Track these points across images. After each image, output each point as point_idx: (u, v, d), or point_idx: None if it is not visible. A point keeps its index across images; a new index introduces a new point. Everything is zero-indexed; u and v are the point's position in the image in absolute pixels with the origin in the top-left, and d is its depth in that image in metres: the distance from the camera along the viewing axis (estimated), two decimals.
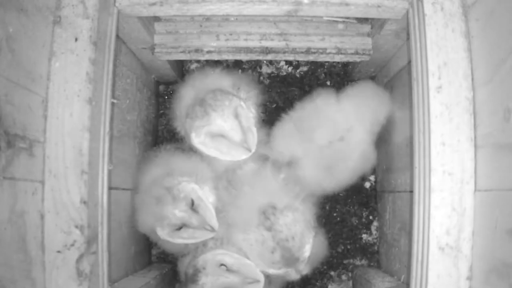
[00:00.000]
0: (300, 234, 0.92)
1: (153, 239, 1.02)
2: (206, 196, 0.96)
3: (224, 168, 1.00)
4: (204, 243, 0.98)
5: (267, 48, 1.06)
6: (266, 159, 1.00)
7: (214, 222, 0.94)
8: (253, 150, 0.96)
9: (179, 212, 0.93)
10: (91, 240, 0.71)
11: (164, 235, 0.94)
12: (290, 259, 0.92)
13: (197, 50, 1.07)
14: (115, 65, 0.81)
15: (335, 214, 1.26)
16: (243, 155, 0.97)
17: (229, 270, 0.94)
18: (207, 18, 1.07)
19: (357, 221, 1.26)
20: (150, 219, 0.95)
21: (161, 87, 1.32)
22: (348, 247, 1.26)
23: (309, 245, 0.94)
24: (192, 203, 0.94)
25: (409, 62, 0.80)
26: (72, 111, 0.70)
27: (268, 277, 0.97)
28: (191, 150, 1.01)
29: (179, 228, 0.94)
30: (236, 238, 0.95)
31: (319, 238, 0.99)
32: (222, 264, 0.94)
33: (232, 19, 1.07)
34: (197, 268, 0.95)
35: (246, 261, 0.94)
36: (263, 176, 0.97)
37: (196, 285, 0.94)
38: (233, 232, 0.96)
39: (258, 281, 0.94)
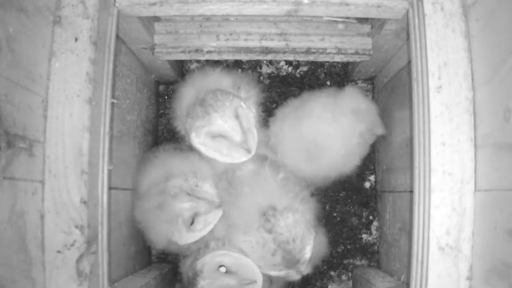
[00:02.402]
0: (300, 235, 0.93)
1: (172, 250, 1.02)
2: (204, 189, 0.97)
3: (224, 169, 1.00)
4: (206, 245, 0.98)
5: (267, 48, 1.06)
6: (265, 159, 1.00)
7: (216, 198, 0.96)
8: (253, 152, 0.96)
9: (186, 203, 0.93)
10: (91, 240, 0.71)
11: (183, 237, 0.95)
12: (291, 261, 0.92)
13: (197, 50, 1.07)
14: (115, 65, 0.81)
15: (335, 214, 1.26)
16: (243, 158, 0.96)
17: (228, 271, 0.94)
18: (207, 18, 1.07)
19: (357, 221, 1.26)
20: (163, 229, 0.95)
21: (161, 87, 1.32)
22: (348, 247, 1.26)
23: (309, 247, 0.94)
24: (188, 194, 0.94)
25: (409, 62, 0.80)
26: (72, 111, 0.70)
27: (269, 277, 0.97)
28: (191, 150, 1.01)
29: (192, 223, 0.94)
30: (237, 240, 0.95)
31: (320, 237, 0.99)
32: (221, 265, 0.94)
33: (232, 19, 1.07)
34: (196, 271, 0.95)
35: (245, 260, 0.94)
36: (262, 177, 0.97)
37: None
38: (234, 234, 0.96)
39: (255, 281, 0.94)
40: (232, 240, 0.96)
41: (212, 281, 0.94)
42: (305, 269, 0.95)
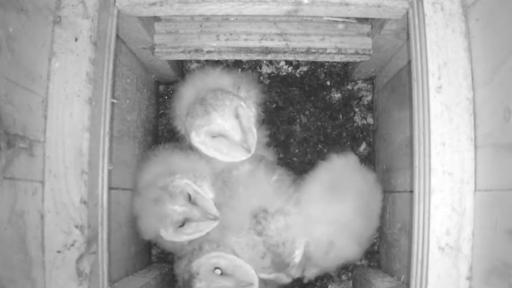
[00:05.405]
0: (291, 239, 0.92)
1: (160, 243, 1.01)
2: (203, 189, 0.96)
3: (222, 168, 0.99)
4: (200, 246, 0.98)
5: (267, 48, 1.06)
6: (261, 160, 1.00)
7: (214, 210, 0.94)
8: (252, 151, 0.96)
9: (179, 207, 0.93)
10: (91, 240, 0.71)
11: (169, 235, 0.94)
12: (280, 265, 0.92)
13: (197, 50, 1.07)
14: (115, 65, 0.81)
15: None
16: (242, 156, 0.96)
17: (223, 273, 0.94)
18: (207, 18, 1.07)
19: None
20: (152, 222, 0.94)
21: (161, 87, 1.32)
22: None
23: (299, 250, 0.93)
24: (189, 197, 0.94)
25: (409, 62, 0.80)
26: (72, 111, 0.70)
27: (263, 280, 0.96)
28: (191, 149, 1.01)
29: (182, 225, 0.94)
30: (229, 240, 0.95)
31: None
32: (217, 267, 0.94)
33: (232, 19, 1.07)
34: (192, 273, 0.94)
35: (240, 263, 0.94)
36: (257, 178, 0.96)
37: None
38: (227, 234, 0.95)
39: (251, 284, 0.93)
40: (225, 241, 0.96)
41: (209, 283, 0.93)
42: (296, 273, 0.95)
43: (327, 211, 0.92)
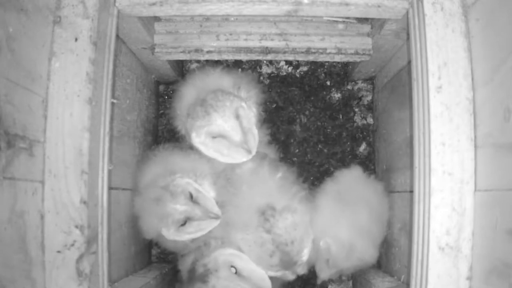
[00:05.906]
0: (299, 238, 0.92)
1: (161, 243, 1.02)
2: (204, 188, 0.96)
3: (223, 166, 1.00)
4: (205, 243, 0.98)
5: (267, 48, 1.06)
6: (264, 158, 1.00)
7: (216, 209, 0.94)
8: (253, 153, 0.96)
9: (180, 206, 0.93)
10: (91, 240, 0.71)
11: (171, 234, 0.94)
12: (288, 263, 0.92)
13: (197, 50, 1.07)
14: (115, 65, 0.81)
15: None
16: (243, 158, 0.96)
17: (238, 273, 0.94)
18: (207, 18, 1.07)
19: None
20: (153, 222, 0.94)
21: (161, 87, 1.32)
22: None
23: (307, 249, 0.94)
24: (191, 196, 0.94)
25: (409, 62, 0.80)
26: (72, 111, 0.70)
27: (269, 277, 0.96)
28: (191, 149, 1.01)
29: (184, 224, 0.94)
30: (235, 237, 0.95)
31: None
32: (232, 266, 0.94)
33: (232, 19, 1.07)
34: (209, 268, 0.94)
35: (255, 267, 0.94)
36: (261, 176, 0.96)
37: (205, 285, 0.94)
38: (231, 232, 0.95)
39: None
40: (229, 238, 0.96)
41: (226, 282, 0.93)
42: (301, 270, 0.95)
43: (341, 221, 0.96)
